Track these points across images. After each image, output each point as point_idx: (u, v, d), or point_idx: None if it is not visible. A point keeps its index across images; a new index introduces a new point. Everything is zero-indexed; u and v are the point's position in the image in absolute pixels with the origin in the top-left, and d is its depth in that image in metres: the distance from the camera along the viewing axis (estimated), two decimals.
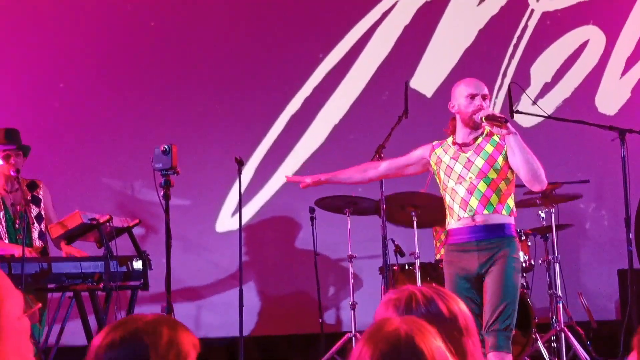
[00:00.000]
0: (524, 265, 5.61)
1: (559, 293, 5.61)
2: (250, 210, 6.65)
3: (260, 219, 6.69)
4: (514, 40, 7.47)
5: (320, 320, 6.11)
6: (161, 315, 1.75)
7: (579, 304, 6.53)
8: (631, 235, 5.10)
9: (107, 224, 4.64)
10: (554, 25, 7.59)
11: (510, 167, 4.01)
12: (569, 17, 7.63)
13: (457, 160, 4.03)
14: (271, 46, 6.87)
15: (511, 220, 4.03)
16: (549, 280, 5.81)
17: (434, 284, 2.00)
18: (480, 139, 4.05)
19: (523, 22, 7.53)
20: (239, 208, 5.86)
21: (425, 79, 7.24)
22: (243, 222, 5.91)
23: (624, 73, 7.73)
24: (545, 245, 5.88)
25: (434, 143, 4.20)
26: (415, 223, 5.45)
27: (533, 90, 7.34)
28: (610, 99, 7.66)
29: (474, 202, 3.94)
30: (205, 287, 6.47)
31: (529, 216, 6.05)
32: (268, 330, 6.58)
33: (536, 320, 5.35)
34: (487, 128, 3.97)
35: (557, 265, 5.66)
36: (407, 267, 5.67)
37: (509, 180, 4.03)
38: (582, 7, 7.64)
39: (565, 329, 5.46)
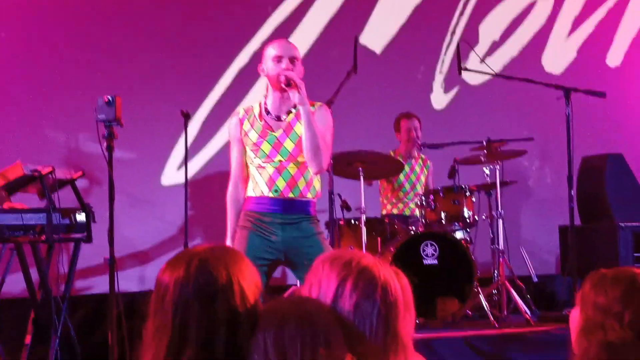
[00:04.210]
0: (468, 221, 5.69)
1: (502, 248, 5.70)
2: (196, 164, 6.61)
3: (206, 173, 6.65)
4: None
5: None
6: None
7: (521, 259, 6.67)
8: (573, 192, 5.21)
9: (50, 175, 4.57)
10: None
11: None
12: None
13: (265, 139, 3.82)
14: None
15: (314, 200, 3.88)
16: (491, 235, 5.90)
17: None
18: (292, 115, 3.84)
19: None
20: (185, 162, 5.82)
21: (375, 35, 7.23)
22: (189, 176, 5.88)
23: (570, 33, 7.82)
24: (489, 201, 5.97)
25: (240, 116, 3.91)
26: (362, 179, 5.47)
27: (481, 48, 7.39)
28: (556, 59, 7.75)
29: (281, 183, 3.79)
30: (150, 240, 6.42)
31: (474, 172, 6.12)
32: None
33: (478, 275, 5.44)
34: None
35: (500, 221, 5.74)
36: (353, 221, 5.70)
37: None
38: None
39: (507, 282, 5.56)
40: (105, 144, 4.02)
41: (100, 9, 6.46)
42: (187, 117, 5.83)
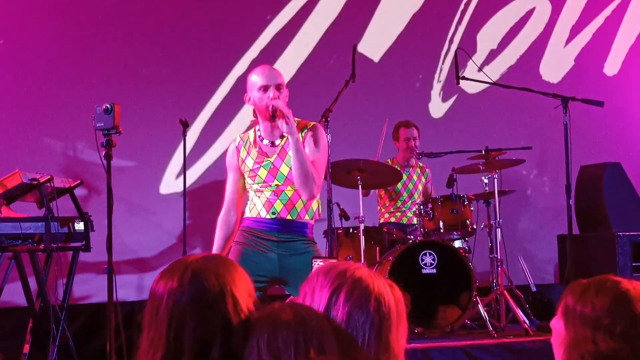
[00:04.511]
0: (466, 230, 5.68)
1: (500, 257, 5.70)
2: (195, 173, 6.61)
3: (204, 181, 6.65)
4: (462, 6, 7.50)
5: None
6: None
7: (520, 268, 6.66)
8: (571, 202, 5.20)
9: (48, 184, 4.56)
10: None
11: None
12: None
13: (261, 165, 3.82)
14: (218, 6, 6.78)
15: (311, 222, 3.89)
16: (490, 244, 5.90)
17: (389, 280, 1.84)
18: (285, 139, 3.80)
19: None
20: (184, 170, 5.82)
21: (373, 43, 7.23)
22: (188, 185, 5.87)
23: (568, 42, 7.83)
24: (487, 210, 5.96)
25: (237, 144, 3.92)
26: (360, 188, 5.47)
27: (479, 56, 7.40)
28: (554, 67, 7.76)
29: (278, 206, 3.80)
30: (149, 249, 6.42)
31: (472, 181, 6.12)
32: None
33: (477, 284, 5.43)
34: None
35: (498, 230, 5.74)
36: (351, 230, 5.70)
37: None
38: None
39: (505, 292, 5.56)
40: (103, 152, 4.02)
41: (99, 18, 6.47)
42: (185, 125, 5.84)
